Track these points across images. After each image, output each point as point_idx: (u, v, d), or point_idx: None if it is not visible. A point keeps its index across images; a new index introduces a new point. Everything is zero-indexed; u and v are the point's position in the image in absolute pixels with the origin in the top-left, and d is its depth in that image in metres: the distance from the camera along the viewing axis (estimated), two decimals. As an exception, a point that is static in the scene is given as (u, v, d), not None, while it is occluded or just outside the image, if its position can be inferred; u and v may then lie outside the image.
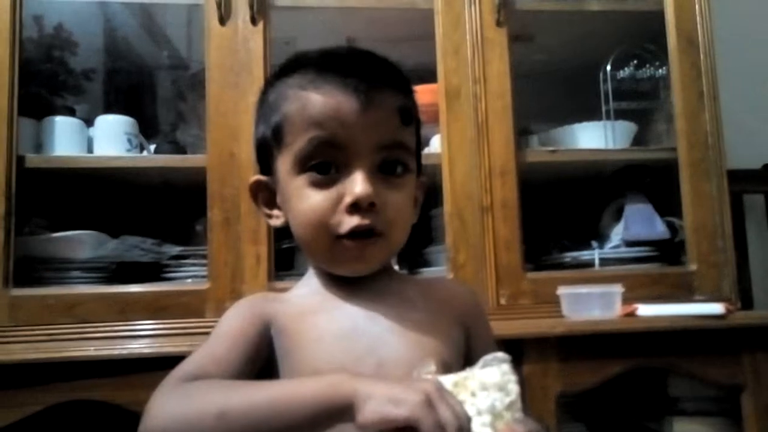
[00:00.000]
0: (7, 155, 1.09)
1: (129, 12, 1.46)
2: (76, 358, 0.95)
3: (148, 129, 1.34)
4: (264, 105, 0.66)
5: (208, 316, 1.10)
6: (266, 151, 0.65)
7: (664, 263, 1.29)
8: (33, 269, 1.15)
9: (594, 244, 1.34)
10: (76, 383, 0.95)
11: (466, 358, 0.65)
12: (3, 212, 1.08)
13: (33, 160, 1.14)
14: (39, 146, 1.20)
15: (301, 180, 0.60)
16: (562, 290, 1.12)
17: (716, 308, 1.06)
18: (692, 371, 1.07)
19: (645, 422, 1.20)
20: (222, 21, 1.17)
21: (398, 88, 0.63)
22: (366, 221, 0.58)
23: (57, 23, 1.36)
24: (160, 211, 1.33)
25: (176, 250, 1.23)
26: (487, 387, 0.49)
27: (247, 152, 1.15)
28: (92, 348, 0.98)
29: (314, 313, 0.62)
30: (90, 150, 1.24)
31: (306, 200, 0.60)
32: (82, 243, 1.18)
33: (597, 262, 1.29)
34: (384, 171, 0.61)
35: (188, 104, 1.47)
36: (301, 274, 1.22)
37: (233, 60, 1.17)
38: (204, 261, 1.15)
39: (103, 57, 1.48)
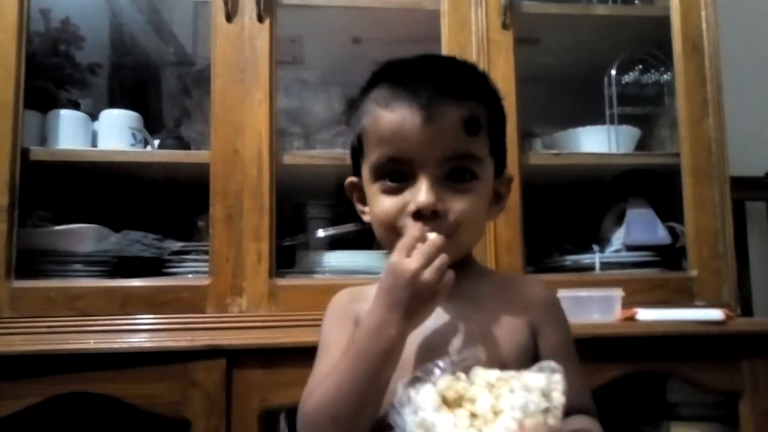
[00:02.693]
0: (11, 148, 1.09)
1: (136, 7, 1.47)
2: (77, 350, 0.96)
3: (152, 124, 1.35)
4: (354, 113, 0.71)
5: (208, 311, 1.11)
6: (355, 155, 0.72)
7: (664, 268, 1.30)
8: (35, 261, 1.15)
9: (595, 247, 1.34)
10: (75, 375, 0.95)
11: (535, 359, 0.65)
12: (6, 204, 1.08)
13: (37, 152, 1.15)
14: (44, 139, 1.21)
15: (376, 187, 0.66)
16: (562, 293, 1.11)
17: (715, 314, 1.06)
18: (690, 376, 1.07)
19: (643, 427, 1.20)
20: (229, 18, 1.18)
21: (465, 98, 0.65)
22: (428, 228, 0.62)
23: (64, 17, 1.37)
24: (162, 206, 1.34)
25: (178, 245, 1.23)
26: (530, 389, 0.51)
27: (251, 149, 1.15)
28: (92, 341, 0.99)
29: None
30: (94, 144, 1.24)
31: (379, 205, 0.66)
32: (84, 236, 1.18)
33: (598, 265, 1.29)
34: (453, 178, 0.65)
35: (193, 100, 1.48)
36: (302, 272, 1.24)
37: (239, 57, 1.17)
38: (205, 257, 1.16)
39: (109, 51, 1.49)
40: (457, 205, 0.64)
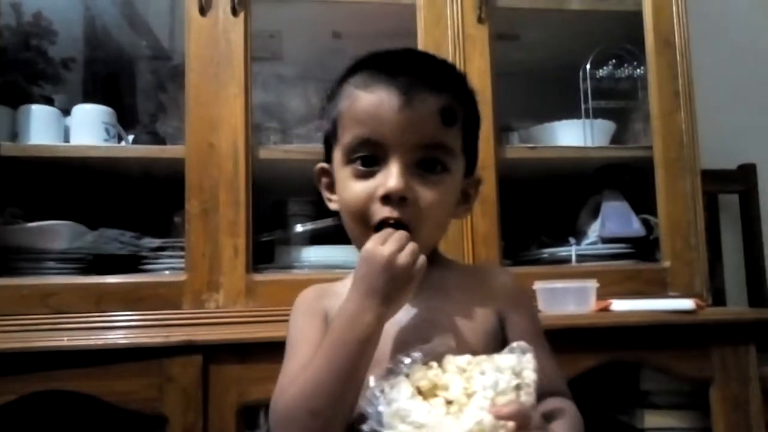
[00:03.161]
0: (-20, 144, 1.08)
1: (110, 1, 1.45)
2: (51, 348, 0.94)
3: (127, 119, 1.33)
4: (329, 101, 0.71)
5: (184, 307, 1.10)
6: (328, 143, 0.71)
7: (639, 260, 1.32)
8: (8, 259, 1.13)
9: (571, 240, 1.36)
10: (50, 373, 0.94)
11: (503, 347, 0.66)
12: (-23, 201, 1.07)
13: (8, 148, 1.13)
14: (14, 135, 1.19)
15: (347, 171, 0.66)
16: (539, 285, 1.13)
17: (687, 304, 1.08)
18: (662, 365, 1.09)
19: (617, 415, 1.22)
20: (202, 11, 1.17)
21: (444, 89, 0.65)
22: (395, 214, 0.62)
23: (36, 11, 1.34)
24: (138, 202, 1.32)
25: (155, 243, 1.22)
26: (502, 370, 0.52)
27: (226, 143, 1.15)
28: (66, 338, 0.97)
29: None
30: (67, 139, 1.22)
31: (348, 190, 0.65)
32: (57, 233, 1.17)
33: (574, 258, 1.31)
34: (423, 168, 0.64)
35: (168, 95, 1.46)
36: (281, 268, 1.23)
37: (213, 51, 1.16)
38: (182, 252, 1.15)
39: (83, 46, 1.46)
40: (425, 195, 0.64)
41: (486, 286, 0.70)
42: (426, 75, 0.65)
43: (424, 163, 0.64)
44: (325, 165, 0.72)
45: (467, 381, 0.52)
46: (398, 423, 0.51)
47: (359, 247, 0.68)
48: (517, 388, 0.51)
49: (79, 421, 1.04)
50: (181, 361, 0.96)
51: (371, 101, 0.63)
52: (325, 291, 0.71)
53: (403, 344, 0.61)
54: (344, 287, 0.68)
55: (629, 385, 1.18)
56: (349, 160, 0.65)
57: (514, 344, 0.54)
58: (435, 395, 0.53)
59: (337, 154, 0.68)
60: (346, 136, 0.65)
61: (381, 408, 0.52)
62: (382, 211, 0.63)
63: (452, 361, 0.54)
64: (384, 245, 0.60)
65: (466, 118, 0.68)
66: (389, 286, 0.59)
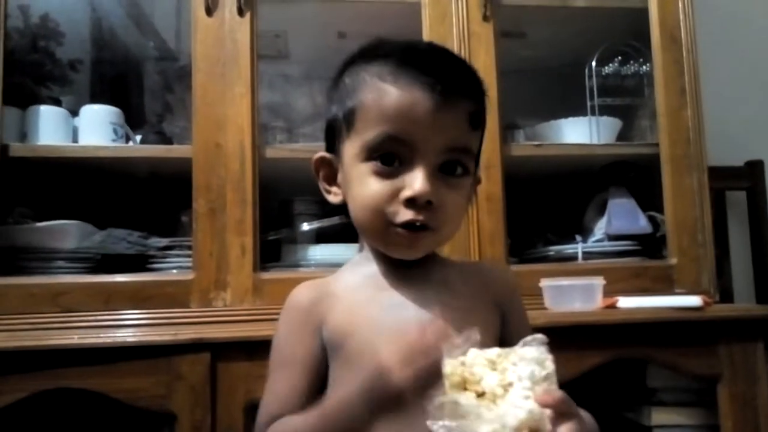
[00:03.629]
0: (-9, 144, 1.09)
1: (116, 2, 1.46)
2: (61, 346, 0.95)
3: (134, 119, 1.34)
4: (340, 86, 0.67)
5: (192, 306, 1.11)
6: (334, 131, 0.67)
7: (645, 257, 1.31)
8: (18, 258, 1.14)
9: (578, 237, 1.35)
10: (60, 371, 0.95)
11: (500, 340, 0.68)
12: (-13, 201, 1.08)
13: (17, 149, 1.14)
14: (23, 135, 1.20)
15: (366, 167, 0.62)
16: (545, 282, 1.13)
17: (694, 301, 1.08)
18: (670, 362, 1.08)
19: (624, 413, 1.22)
20: (209, 12, 1.17)
21: (472, 92, 0.65)
22: (420, 217, 0.61)
23: (43, 13, 1.35)
24: (145, 202, 1.33)
25: (163, 242, 1.23)
26: (527, 360, 0.53)
27: (233, 143, 1.15)
28: (76, 336, 0.98)
29: (365, 305, 0.66)
30: (75, 140, 1.23)
31: (367, 187, 0.62)
32: (67, 233, 1.18)
33: (580, 255, 1.31)
34: (444, 171, 0.63)
35: (175, 95, 1.47)
36: (287, 266, 1.24)
37: (220, 51, 1.17)
38: (189, 251, 1.16)
39: (90, 47, 1.47)
40: (448, 198, 0.63)
41: (486, 282, 0.71)
42: (459, 77, 0.63)
43: (446, 166, 0.63)
44: (326, 155, 0.69)
45: (501, 373, 0.53)
46: (443, 415, 0.51)
47: (371, 242, 0.68)
48: (547, 378, 0.52)
49: (89, 418, 1.04)
50: (189, 358, 0.97)
51: (404, 99, 0.60)
52: (320, 293, 0.68)
53: (416, 338, 0.60)
54: (344, 285, 0.68)
55: (636, 382, 1.18)
56: (369, 157, 0.62)
57: (529, 338, 0.54)
58: (465, 389, 0.53)
59: (351, 147, 0.64)
60: (370, 132, 0.62)
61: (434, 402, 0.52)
62: (406, 213, 0.61)
63: (480, 355, 0.54)
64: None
65: (484, 120, 0.68)
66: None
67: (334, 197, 0.69)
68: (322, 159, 0.70)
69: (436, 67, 0.61)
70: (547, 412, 0.50)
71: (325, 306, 0.66)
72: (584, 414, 0.59)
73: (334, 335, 0.65)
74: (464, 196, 0.65)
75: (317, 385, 0.65)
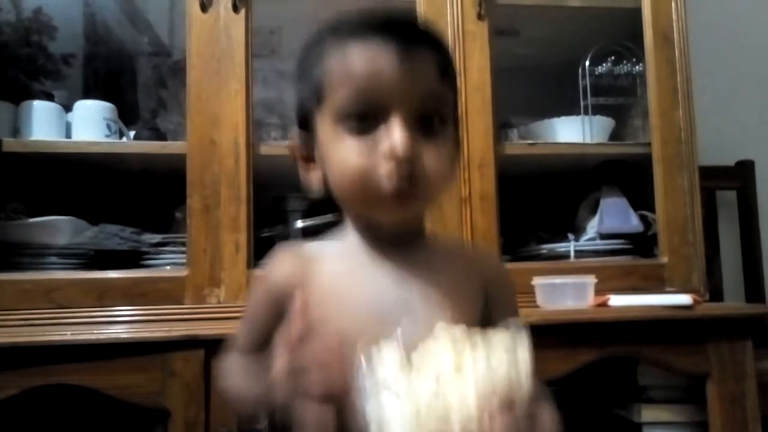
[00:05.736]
0: (-17, 139, 1.08)
1: (111, -2, 1.45)
2: (54, 342, 0.95)
3: (128, 115, 1.34)
4: (304, 64, 0.67)
5: (186, 302, 1.11)
6: (305, 110, 0.66)
7: (636, 256, 1.33)
8: (10, 254, 1.14)
9: (570, 236, 1.36)
10: (53, 368, 0.95)
11: (485, 323, 0.65)
12: (-21, 196, 1.07)
13: (10, 144, 1.14)
14: (16, 130, 1.19)
15: (341, 129, 0.61)
16: (537, 281, 1.14)
17: (684, 299, 1.09)
18: (659, 360, 1.10)
19: (615, 410, 1.23)
20: (203, 8, 1.17)
21: (436, 44, 0.64)
22: (405, 169, 0.59)
23: (36, 7, 1.35)
24: (139, 198, 1.33)
25: (156, 238, 1.23)
26: (492, 345, 0.51)
27: (227, 139, 1.15)
28: (69, 333, 0.98)
29: (343, 283, 0.65)
30: (68, 135, 1.23)
31: (344, 147, 0.61)
32: (60, 229, 1.18)
33: (572, 254, 1.32)
34: (423, 125, 0.61)
35: (169, 91, 1.47)
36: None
37: (215, 47, 1.17)
38: (183, 248, 1.16)
39: (83, 42, 1.47)
40: (428, 152, 0.61)
41: (472, 263, 0.70)
42: (418, 29, 0.64)
43: (423, 120, 0.62)
44: (299, 134, 0.68)
45: (458, 354, 0.51)
46: (379, 391, 0.50)
47: (354, 211, 0.67)
48: (509, 365, 0.50)
49: (82, 414, 1.04)
50: (183, 355, 0.97)
51: (367, 53, 0.59)
52: (298, 268, 0.67)
53: (396, 317, 0.60)
54: (321, 256, 0.67)
55: (627, 379, 1.19)
56: (341, 119, 0.61)
57: (509, 321, 0.53)
58: (425, 363, 0.51)
59: (324, 118, 0.63)
60: (339, 94, 0.61)
61: (364, 377, 0.51)
62: (387, 168, 0.59)
63: (445, 330, 0.53)
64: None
65: (452, 75, 0.67)
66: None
67: (314, 174, 0.67)
68: (294, 142, 0.69)
69: (397, 24, 0.62)
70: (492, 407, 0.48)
71: (297, 281, 0.65)
72: (544, 414, 0.58)
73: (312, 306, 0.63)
74: (445, 149, 0.64)
75: (264, 343, 0.65)
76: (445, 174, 0.64)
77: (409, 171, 0.59)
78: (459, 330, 0.53)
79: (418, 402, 0.49)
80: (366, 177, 0.60)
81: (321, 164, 0.66)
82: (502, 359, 0.50)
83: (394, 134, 0.59)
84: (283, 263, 0.69)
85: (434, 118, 0.62)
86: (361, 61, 0.60)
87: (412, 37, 0.61)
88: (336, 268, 0.67)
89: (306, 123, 0.67)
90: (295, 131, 0.69)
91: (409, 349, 0.52)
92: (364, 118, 0.60)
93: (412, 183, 0.60)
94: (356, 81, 0.60)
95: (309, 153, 0.67)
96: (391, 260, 0.65)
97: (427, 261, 0.67)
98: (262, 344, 0.65)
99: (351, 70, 0.60)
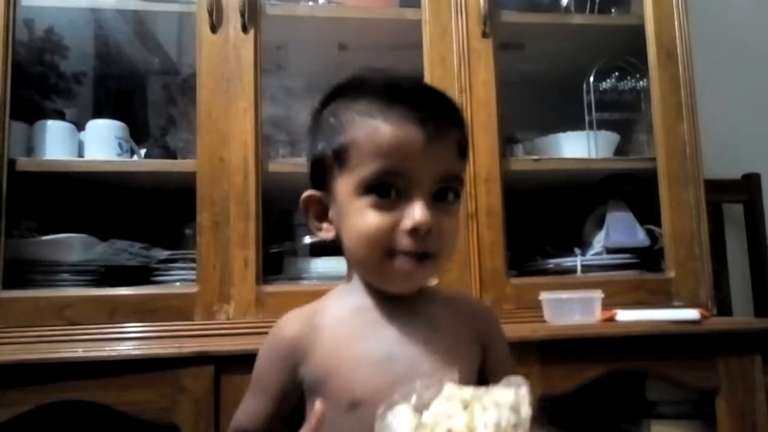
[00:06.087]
0: (-2, 159, 1.10)
1: (120, 17, 1.48)
2: (66, 359, 0.96)
3: (138, 133, 1.36)
4: (325, 124, 0.68)
5: (196, 318, 1.12)
6: (322, 168, 0.68)
7: (643, 270, 1.33)
8: (23, 272, 1.15)
9: (576, 250, 1.37)
10: (65, 384, 0.96)
11: (480, 373, 0.70)
12: (-6, 215, 1.09)
13: (24, 163, 1.16)
14: (30, 150, 1.21)
15: (363, 201, 0.64)
16: (544, 296, 1.15)
17: (691, 314, 1.09)
18: (668, 375, 1.09)
19: (624, 425, 1.23)
20: (213, 29, 1.19)
21: (458, 122, 0.67)
22: (422, 246, 0.63)
23: (47, 27, 1.37)
24: (150, 215, 1.34)
25: (164, 254, 1.24)
26: (500, 405, 0.53)
27: (237, 157, 1.17)
28: (81, 349, 0.99)
29: (351, 340, 0.67)
30: (81, 154, 1.25)
31: (366, 219, 0.63)
32: (71, 246, 1.19)
33: (579, 268, 1.32)
34: (437, 199, 0.65)
35: (179, 109, 1.49)
36: (289, 279, 1.25)
37: (224, 67, 1.19)
38: (193, 264, 1.17)
39: (94, 61, 1.49)
40: (445, 225, 0.65)
41: (467, 315, 0.73)
42: (445, 110, 0.66)
43: (439, 194, 0.65)
44: (315, 193, 0.70)
45: (470, 416, 0.53)
46: None
47: (368, 276, 0.68)
48: (516, 426, 0.53)
49: (93, 430, 1.05)
50: (193, 371, 0.98)
51: (398, 134, 0.62)
52: (305, 327, 0.69)
53: (403, 375, 0.62)
54: (327, 317, 0.69)
55: (635, 394, 1.19)
56: (366, 191, 0.64)
57: (511, 378, 0.55)
58: (436, 425, 0.54)
59: (346, 183, 0.65)
60: (366, 167, 0.63)
61: None
62: (408, 244, 0.63)
63: (455, 392, 0.55)
64: None
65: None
66: None
67: (325, 233, 0.70)
68: (310, 197, 0.71)
69: (423, 102, 0.64)
70: None
71: (307, 341, 0.67)
72: None
73: (316, 371, 0.66)
74: (457, 221, 0.68)
75: (286, 411, 0.70)
76: (456, 242, 0.68)
77: (427, 246, 0.63)
78: (468, 391, 0.55)
79: None
80: (385, 251, 0.63)
81: (337, 226, 0.68)
82: (510, 420, 0.52)
83: (417, 213, 0.62)
84: (292, 322, 0.70)
85: (449, 193, 0.66)
86: (391, 140, 0.62)
87: (440, 118, 0.64)
88: (344, 328, 0.68)
89: (321, 181, 0.69)
90: (308, 189, 0.71)
91: (420, 408, 0.55)
92: (387, 192, 0.63)
93: (429, 255, 0.64)
94: (385, 158, 0.63)
95: (323, 211, 0.70)
96: (397, 318, 0.68)
97: (429, 316, 0.70)
98: (268, 415, 0.69)
99: (380, 147, 0.63)
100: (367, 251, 0.64)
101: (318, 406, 0.58)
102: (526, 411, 0.53)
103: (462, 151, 0.67)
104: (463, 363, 0.66)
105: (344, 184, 0.65)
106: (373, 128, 0.63)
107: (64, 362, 0.96)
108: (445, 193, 0.65)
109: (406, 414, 0.54)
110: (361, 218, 0.64)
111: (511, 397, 0.54)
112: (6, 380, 0.94)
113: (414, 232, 0.62)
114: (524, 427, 0.53)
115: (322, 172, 0.69)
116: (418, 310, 0.69)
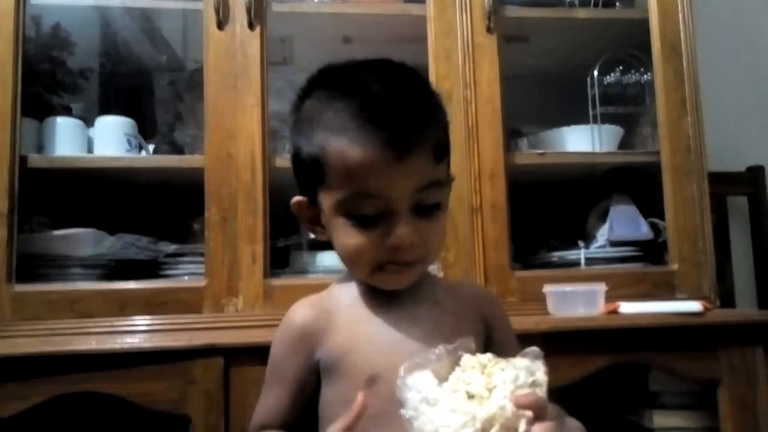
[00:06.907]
0: (10, 155, 1.12)
1: (126, 13, 1.49)
2: (79, 351, 0.98)
3: (146, 129, 1.37)
4: (302, 123, 0.67)
5: (205, 312, 1.14)
6: (304, 168, 0.67)
7: (647, 263, 1.34)
8: (35, 266, 1.17)
9: (580, 244, 1.38)
10: (77, 376, 0.97)
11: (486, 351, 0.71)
12: (6, 210, 1.11)
13: (35, 160, 1.17)
14: (41, 146, 1.23)
15: (343, 220, 0.64)
16: (548, 288, 1.16)
17: (694, 306, 1.10)
18: (670, 366, 1.11)
19: (627, 416, 1.24)
20: (220, 26, 1.20)
21: (433, 123, 0.65)
22: (408, 257, 0.64)
23: (54, 23, 1.38)
24: (158, 210, 1.36)
25: (172, 248, 1.26)
26: (517, 368, 0.56)
27: (244, 153, 1.18)
28: (93, 342, 1.01)
29: (364, 320, 0.69)
30: (90, 150, 1.26)
31: (349, 238, 0.64)
32: (81, 240, 1.21)
33: (583, 261, 1.33)
34: (418, 208, 0.65)
35: (186, 105, 1.50)
36: (297, 272, 1.26)
37: (231, 63, 1.20)
38: (201, 258, 1.18)
39: (101, 57, 1.50)
40: (429, 230, 0.65)
41: (470, 297, 0.75)
42: (414, 115, 0.62)
43: (419, 204, 0.65)
44: (302, 199, 0.70)
45: (488, 377, 0.55)
46: (426, 408, 0.54)
47: (361, 277, 0.70)
48: (533, 384, 0.55)
49: (106, 421, 1.07)
50: (203, 363, 1.00)
51: (367, 157, 0.60)
52: (317, 312, 0.70)
53: (418, 351, 0.62)
54: (336, 301, 0.71)
55: (638, 385, 1.20)
56: (345, 213, 0.64)
57: (527, 350, 0.57)
58: (457, 389, 0.56)
59: (327, 198, 0.65)
60: (340, 191, 0.63)
61: (409, 395, 0.55)
62: (393, 256, 0.64)
63: (473, 359, 0.58)
64: None
65: (447, 138, 0.68)
66: None
67: (321, 236, 0.71)
68: (299, 203, 0.71)
69: (393, 118, 0.61)
70: (528, 413, 0.52)
71: (322, 325, 0.69)
72: (571, 421, 0.61)
73: (333, 353, 0.68)
74: (442, 221, 0.68)
75: (303, 401, 0.70)
76: (443, 240, 0.69)
77: (413, 256, 0.64)
78: (486, 355, 0.57)
79: (462, 413, 0.53)
80: (371, 263, 0.65)
81: (328, 232, 0.69)
82: (526, 377, 0.55)
83: (399, 230, 0.62)
84: (304, 309, 0.72)
85: (429, 199, 0.65)
86: (360, 163, 0.61)
87: (411, 127, 0.61)
88: (355, 312, 0.70)
89: (308, 188, 0.69)
90: (297, 190, 0.71)
91: (442, 369, 0.57)
92: (365, 213, 0.63)
93: (414, 262, 0.65)
94: (357, 181, 0.62)
95: (315, 215, 0.70)
96: (404, 301, 0.70)
97: (434, 299, 0.72)
98: (286, 405, 0.69)
99: (351, 169, 0.61)
100: (355, 265, 0.67)
101: (359, 398, 0.58)
102: (542, 377, 0.55)
103: (439, 155, 0.65)
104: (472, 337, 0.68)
105: (326, 199, 0.66)
106: (342, 150, 0.61)
107: (77, 354, 0.98)
108: (425, 201, 0.65)
109: (427, 376, 0.56)
110: (345, 236, 0.64)
111: (527, 362, 0.56)
112: (21, 372, 0.96)
113: (399, 248, 0.63)
114: (542, 388, 0.55)
115: (304, 171, 0.68)
116: (423, 293, 0.71)
